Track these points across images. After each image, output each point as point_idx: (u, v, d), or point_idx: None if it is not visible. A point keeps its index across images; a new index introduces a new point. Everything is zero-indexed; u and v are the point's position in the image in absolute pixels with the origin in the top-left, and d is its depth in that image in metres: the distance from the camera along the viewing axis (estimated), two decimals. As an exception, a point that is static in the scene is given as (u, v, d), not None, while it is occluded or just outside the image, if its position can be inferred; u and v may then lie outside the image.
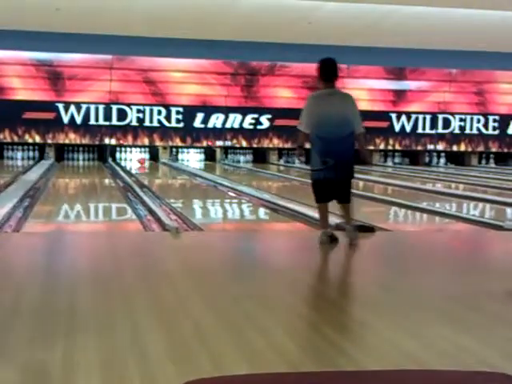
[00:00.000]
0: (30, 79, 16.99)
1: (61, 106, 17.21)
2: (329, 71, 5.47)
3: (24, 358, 2.70)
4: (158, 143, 18.02)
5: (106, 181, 12.90)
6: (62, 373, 2.56)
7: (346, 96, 5.59)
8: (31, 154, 17.52)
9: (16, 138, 17.15)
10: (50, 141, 17.31)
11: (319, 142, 5.41)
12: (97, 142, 17.62)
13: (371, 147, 18.78)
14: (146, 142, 17.92)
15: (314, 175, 5.53)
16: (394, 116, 19.09)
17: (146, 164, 17.59)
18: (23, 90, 17.01)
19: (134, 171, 15.17)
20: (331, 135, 5.38)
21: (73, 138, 17.42)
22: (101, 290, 3.87)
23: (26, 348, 2.83)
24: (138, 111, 17.69)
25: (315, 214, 7.25)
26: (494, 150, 19.99)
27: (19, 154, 17.45)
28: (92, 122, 17.43)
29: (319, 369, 2.67)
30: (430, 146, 19.55)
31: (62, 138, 17.35)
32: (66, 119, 17.27)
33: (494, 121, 19.77)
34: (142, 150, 18.23)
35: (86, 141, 17.53)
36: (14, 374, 2.54)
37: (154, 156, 18.19)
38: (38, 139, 17.25)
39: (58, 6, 13.65)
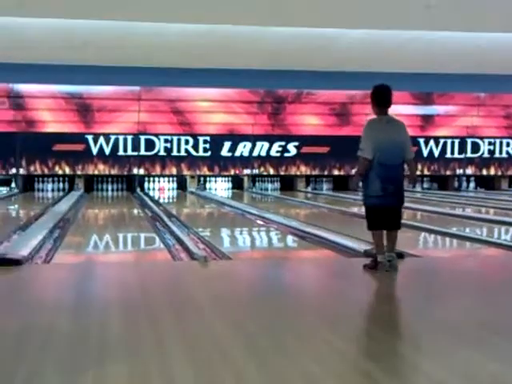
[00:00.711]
0: (60, 112, 17.27)
1: (90, 138, 17.44)
2: (385, 98, 5.55)
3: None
4: (185, 172, 18.14)
5: (135, 211, 12.98)
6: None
7: (400, 123, 5.67)
8: (61, 185, 17.74)
9: (46, 170, 17.39)
10: (79, 172, 17.53)
11: (380, 168, 5.46)
12: (125, 173, 17.80)
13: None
14: (174, 171, 18.05)
15: (371, 201, 5.56)
16: (421, 141, 18.99)
17: (167, 192, 17.79)
18: (53, 123, 17.28)
19: (161, 200, 15.26)
20: (391, 162, 5.49)
21: (102, 168, 17.62)
22: (130, 320, 3.87)
23: (57, 378, 2.84)
24: (166, 141, 17.85)
25: (344, 241, 7.22)
26: (524, 173, 19.77)
27: (49, 186, 17.68)
28: (120, 152, 17.62)
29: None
30: (459, 171, 19.40)
31: (91, 169, 17.56)
32: (95, 150, 17.49)
33: (524, 144, 19.58)
34: (171, 179, 18.36)
35: (114, 171, 17.72)
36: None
37: (181, 185, 18.31)
38: (67, 171, 17.48)
39: (85, 40, 13.89)
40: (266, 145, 18.28)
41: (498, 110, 19.29)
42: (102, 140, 17.50)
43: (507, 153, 19.56)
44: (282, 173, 18.59)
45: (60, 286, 5.10)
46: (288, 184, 18.69)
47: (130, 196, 16.56)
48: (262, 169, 18.41)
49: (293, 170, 18.54)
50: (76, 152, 17.39)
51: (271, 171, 18.52)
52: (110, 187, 17.93)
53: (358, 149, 5.50)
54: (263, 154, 18.31)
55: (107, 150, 17.57)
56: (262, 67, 16.75)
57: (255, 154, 18.29)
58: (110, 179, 17.98)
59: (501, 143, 19.53)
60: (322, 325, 3.79)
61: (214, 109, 17.90)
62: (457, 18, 12.60)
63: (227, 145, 18.15)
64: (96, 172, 17.64)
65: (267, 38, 14.13)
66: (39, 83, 16.88)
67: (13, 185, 17.45)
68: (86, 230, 9.46)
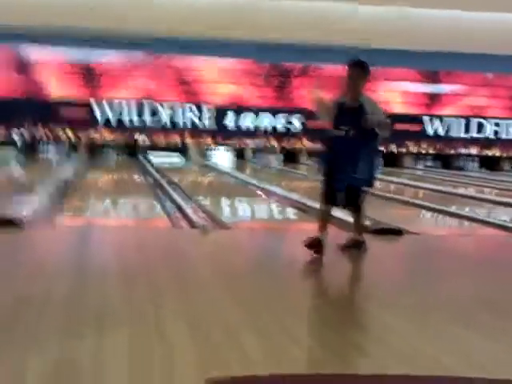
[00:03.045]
0: (66, 78, 17.21)
1: (95, 104, 17.41)
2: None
3: (56, 349, 2.74)
4: (188, 141, 18.13)
5: (136, 177, 13.00)
6: (92, 364, 2.60)
7: None
8: (65, 150, 17.76)
9: (50, 135, 17.38)
10: (83, 137, 17.53)
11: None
12: (128, 140, 17.80)
13: (404, 149, 18.69)
14: (178, 140, 18.04)
15: (373, 181, 5.22)
16: (427, 119, 18.95)
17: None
18: (59, 88, 17.23)
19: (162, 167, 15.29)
20: None
21: (106, 135, 17.61)
22: (129, 287, 3.89)
23: (57, 339, 2.87)
24: (171, 109, 17.82)
25: (343, 216, 7.23)
26: (528, 155, 19.77)
27: (53, 150, 17.69)
28: (125, 118, 17.61)
29: (343, 370, 2.67)
30: (463, 150, 19.37)
31: (94, 135, 17.55)
32: (99, 116, 17.48)
33: (529, 126, 19.55)
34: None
35: (118, 138, 17.72)
36: (45, 364, 2.57)
37: (184, 154, 18.34)
38: (71, 136, 17.48)
39: (92, 5, 13.81)
40: (271, 117, 18.24)
41: (504, 91, 19.21)
42: (106, 106, 17.47)
43: (512, 134, 19.54)
44: (286, 146, 18.57)
45: (60, 250, 5.13)
46: (291, 157, 18.69)
47: (133, 163, 16.57)
48: (265, 140, 18.40)
49: (297, 144, 18.52)
50: (80, 118, 17.38)
51: (275, 144, 18.50)
52: (112, 153, 17.94)
53: (384, 117, 5.02)
54: (268, 126, 18.28)
55: (111, 117, 17.55)
56: (270, 40, 16.66)
57: (260, 125, 18.27)
58: (112, 145, 17.99)
59: (506, 125, 19.48)
60: (317, 298, 3.83)
61: (220, 79, 17.84)
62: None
63: (232, 116, 18.12)
64: (99, 137, 17.64)
65: (278, 11, 14.03)
66: (45, 48, 16.82)
67: (17, 147, 17.47)
68: (87, 195, 9.49)
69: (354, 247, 5.13)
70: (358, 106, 5.04)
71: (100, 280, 4.00)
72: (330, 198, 5.16)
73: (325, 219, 5.11)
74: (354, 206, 5.19)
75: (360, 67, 5.07)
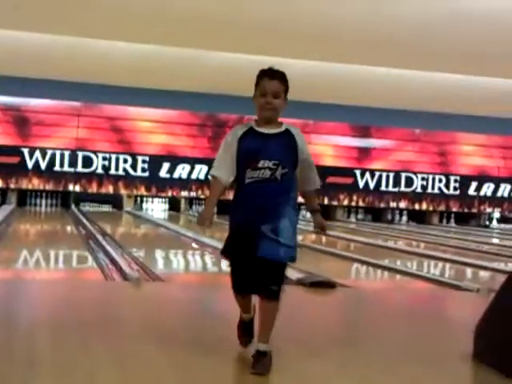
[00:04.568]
0: (-4, 123, 16.92)
1: (26, 151, 17.11)
2: None
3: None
4: (122, 191, 17.97)
5: (68, 228, 12.77)
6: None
7: None
8: (-7, 198, 17.33)
9: (-22, 182, 16.96)
10: (12, 185, 17.15)
11: None
12: (61, 189, 17.51)
13: (335, 202, 19.01)
14: (111, 189, 17.86)
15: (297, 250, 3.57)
16: (358, 173, 19.37)
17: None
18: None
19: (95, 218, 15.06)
20: None
21: (36, 183, 17.28)
22: (59, 339, 3.81)
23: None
24: (104, 159, 17.67)
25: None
26: (454, 209, 20.40)
27: (-20, 198, 17.24)
28: (57, 168, 17.34)
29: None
30: (393, 204, 19.85)
31: (25, 183, 17.20)
32: (30, 164, 17.16)
33: (455, 181, 20.21)
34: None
35: (49, 187, 17.40)
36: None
37: (118, 204, 18.14)
38: (0, 183, 17.08)
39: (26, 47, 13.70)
40: (205, 168, 18.29)
41: (432, 147, 19.88)
42: (38, 154, 17.19)
43: (439, 189, 20.14)
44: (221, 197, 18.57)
45: (-13, 302, 4.98)
46: (225, 209, 18.67)
47: (65, 212, 16.28)
48: (199, 192, 18.41)
49: (230, 195, 18.55)
50: (10, 165, 17.02)
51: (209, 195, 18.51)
52: (44, 202, 17.59)
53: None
54: (201, 177, 18.32)
55: (43, 165, 17.26)
56: (204, 91, 16.85)
57: (194, 176, 18.29)
58: (44, 194, 17.65)
59: (433, 179, 20.09)
60: (248, 349, 3.82)
61: (154, 129, 17.86)
62: (394, 56, 12.98)
63: (166, 166, 18.10)
64: (30, 186, 17.29)
65: (212, 62, 14.23)
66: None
67: None
68: (16, 246, 9.26)
69: (257, 362, 3.32)
70: (283, 132, 3.45)
71: (27, 333, 3.89)
72: (244, 282, 3.49)
73: (247, 304, 3.62)
74: (273, 293, 3.32)
75: (277, 78, 3.57)
